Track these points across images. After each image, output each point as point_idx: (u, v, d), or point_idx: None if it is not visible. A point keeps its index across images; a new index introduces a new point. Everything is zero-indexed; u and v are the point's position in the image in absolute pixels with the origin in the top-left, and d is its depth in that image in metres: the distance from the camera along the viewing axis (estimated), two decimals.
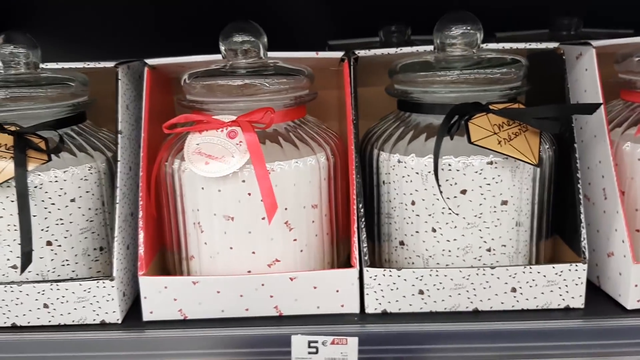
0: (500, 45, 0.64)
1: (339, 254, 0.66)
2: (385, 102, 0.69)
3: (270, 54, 0.63)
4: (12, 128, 0.59)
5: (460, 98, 0.60)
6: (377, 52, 0.64)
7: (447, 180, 0.58)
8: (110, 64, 0.64)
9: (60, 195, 0.60)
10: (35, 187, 0.59)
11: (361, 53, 0.64)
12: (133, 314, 0.62)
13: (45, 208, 0.60)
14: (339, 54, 0.64)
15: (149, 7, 0.99)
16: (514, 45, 0.64)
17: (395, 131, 0.63)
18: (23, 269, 0.57)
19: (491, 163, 0.58)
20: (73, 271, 0.62)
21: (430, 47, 0.64)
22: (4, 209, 0.59)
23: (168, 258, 0.66)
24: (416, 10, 0.95)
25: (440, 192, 0.57)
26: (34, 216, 0.59)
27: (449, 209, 0.58)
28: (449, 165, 0.58)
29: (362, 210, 0.61)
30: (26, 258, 0.56)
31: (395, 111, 0.66)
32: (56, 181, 0.60)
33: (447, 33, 0.62)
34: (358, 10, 0.99)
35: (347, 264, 0.67)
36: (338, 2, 0.99)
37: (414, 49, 0.64)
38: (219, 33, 0.62)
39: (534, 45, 0.64)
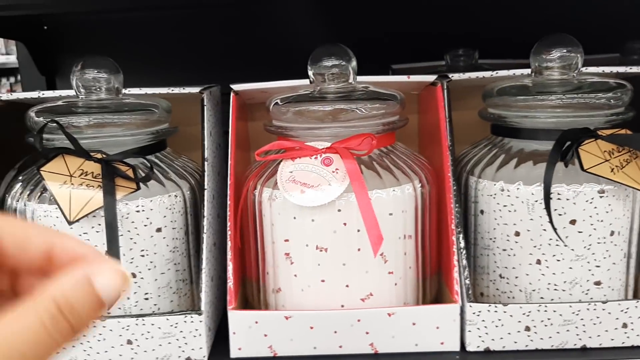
0: (600, 69, 0.61)
1: (431, 289, 0.63)
2: (470, 128, 0.67)
3: (359, 78, 0.61)
4: (99, 156, 0.57)
5: (561, 124, 0.57)
6: (472, 75, 0.61)
7: (555, 209, 0.55)
8: (195, 90, 0.61)
9: (146, 225, 0.57)
10: (122, 216, 0.56)
11: (455, 76, 0.61)
12: (218, 351, 0.59)
13: (131, 239, 0.57)
14: (431, 78, 0.62)
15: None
16: (614, 69, 0.61)
17: (495, 158, 0.60)
18: None
19: (602, 192, 0.55)
20: (155, 304, 0.59)
21: (526, 71, 0.61)
22: (88, 239, 0.56)
23: (250, 290, 0.63)
24: (481, 35, 0.94)
25: (551, 222, 0.54)
26: (120, 247, 0.56)
27: (559, 239, 0.55)
28: (559, 194, 0.55)
29: (462, 242, 0.58)
30: None
31: (488, 136, 0.64)
32: (143, 210, 0.57)
33: (546, 56, 0.59)
34: (420, 34, 0.96)
35: (437, 299, 0.64)
36: (399, 26, 0.97)
37: (510, 72, 0.61)
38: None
39: (634, 70, 0.61)
